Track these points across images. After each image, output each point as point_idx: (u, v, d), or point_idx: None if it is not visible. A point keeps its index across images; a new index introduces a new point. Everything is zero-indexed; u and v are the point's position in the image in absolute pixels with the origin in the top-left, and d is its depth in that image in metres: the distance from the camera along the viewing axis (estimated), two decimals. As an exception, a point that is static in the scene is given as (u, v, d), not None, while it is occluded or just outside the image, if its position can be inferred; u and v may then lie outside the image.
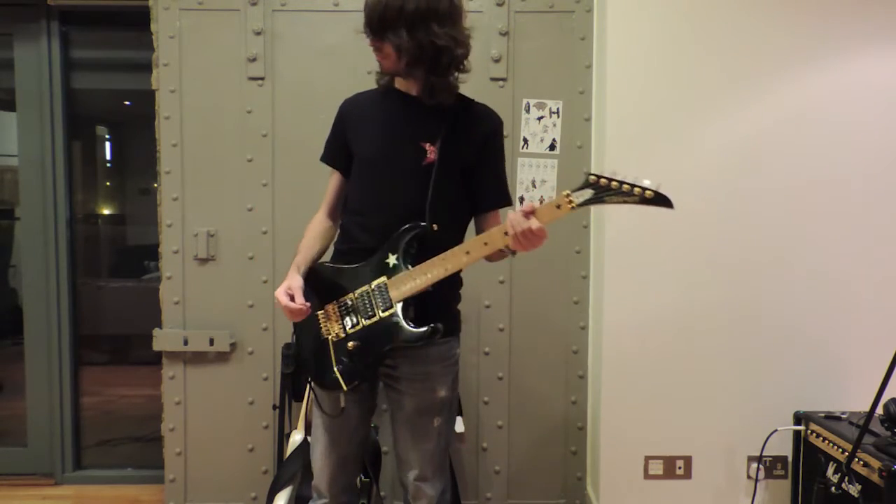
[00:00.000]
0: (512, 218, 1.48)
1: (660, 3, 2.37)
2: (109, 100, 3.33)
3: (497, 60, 2.56)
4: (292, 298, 1.62)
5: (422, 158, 1.61)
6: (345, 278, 1.64)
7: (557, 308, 2.62)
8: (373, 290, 1.61)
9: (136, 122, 3.27)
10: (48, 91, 2.90)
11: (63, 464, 2.98)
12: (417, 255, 1.60)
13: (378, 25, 1.56)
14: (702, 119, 2.39)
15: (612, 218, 2.41)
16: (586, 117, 2.58)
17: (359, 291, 1.62)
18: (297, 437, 2.33)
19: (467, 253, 1.55)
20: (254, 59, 2.56)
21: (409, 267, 1.58)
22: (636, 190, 1.34)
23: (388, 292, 1.59)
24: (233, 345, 2.60)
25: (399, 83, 1.67)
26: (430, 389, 1.66)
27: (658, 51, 2.38)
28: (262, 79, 2.57)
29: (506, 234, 1.50)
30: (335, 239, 1.78)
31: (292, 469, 2.30)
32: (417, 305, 1.61)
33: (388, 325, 1.59)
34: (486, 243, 1.54)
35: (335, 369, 1.61)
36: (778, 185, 2.39)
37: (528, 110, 2.58)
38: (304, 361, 1.71)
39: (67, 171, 2.96)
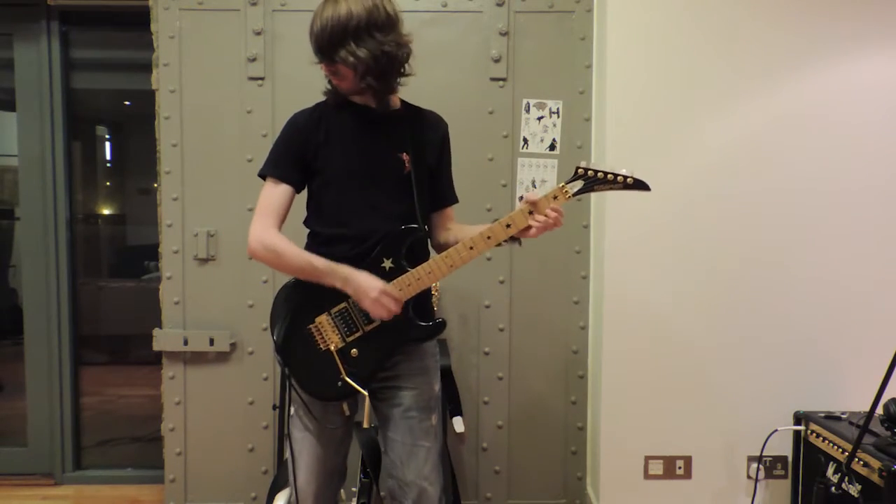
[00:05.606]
0: (532, 202, 1.55)
1: (660, 4, 2.37)
2: (109, 100, 3.33)
3: (497, 60, 2.56)
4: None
5: (402, 168, 1.67)
6: (332, 289, 1.62)
7: (557, 308, 2.62)
8: None
9: (136, 122, 3.27)
10: (48, 91, 2.90)
11: (63, 464, 2.98)
12: (413, 257, 1.65)
13: (328, 47, 1.59)
14: (702, 119, 2.39)
15: (612, 218, 2.41)
16: (586, 117, 2.58)
17: (354, 299, 1.62)
18: (297, 437, 2.32)
19: (471, 248, 1.59)
20: (254, 59, 2.56)
21: (409, 269, 1.61)
22: (619, 178, 1.53)
23: None
24: (233, 345, 2.60)
25: (357, 99, 1.69)
26: (428, 383, 1.71)
27: (658, 51, 2.38)
28: (262, 79, 2.57)
29: (508, 226, 1.56)
30: None
31: (292, 469, 2.30)
32: (414, 303, 1.65)
33: (395, 326, 1.62)
34: (489, 237, 1.59)
35: (346, 378, 1.62)
36: (778, 185, 2.39)
37: (528, 110, 2.58)
38: (300, 380, 1.66)
39: (67, 171, 2.97)
